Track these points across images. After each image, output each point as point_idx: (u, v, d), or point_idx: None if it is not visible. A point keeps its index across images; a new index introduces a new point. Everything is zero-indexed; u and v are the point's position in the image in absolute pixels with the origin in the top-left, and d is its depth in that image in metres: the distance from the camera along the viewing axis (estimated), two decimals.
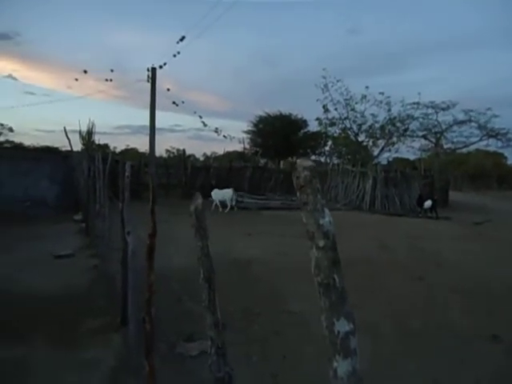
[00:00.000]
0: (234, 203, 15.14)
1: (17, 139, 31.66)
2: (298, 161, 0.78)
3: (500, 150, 26.22)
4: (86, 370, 3.60)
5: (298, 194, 0.79)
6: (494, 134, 23.70)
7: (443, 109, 23.38)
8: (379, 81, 51.57)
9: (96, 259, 7.09)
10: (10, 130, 32.75)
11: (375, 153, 24.54)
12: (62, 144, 19.46)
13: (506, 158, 38.98)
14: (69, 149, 14.45)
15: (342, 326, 0.73)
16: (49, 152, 17.08)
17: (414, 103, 23.13)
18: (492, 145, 24.64)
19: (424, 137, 24.74)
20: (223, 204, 15.15)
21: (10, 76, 48.68)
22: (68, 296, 5.35)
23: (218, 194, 15.11)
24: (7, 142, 31.01)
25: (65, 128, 13.76)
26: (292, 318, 4.92)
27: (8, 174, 13.94)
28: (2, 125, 32.34)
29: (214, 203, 15.06)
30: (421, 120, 23.71)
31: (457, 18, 52.56)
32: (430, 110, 23.55)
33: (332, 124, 24.53)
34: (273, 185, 20.96)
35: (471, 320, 5.05)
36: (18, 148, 24.36)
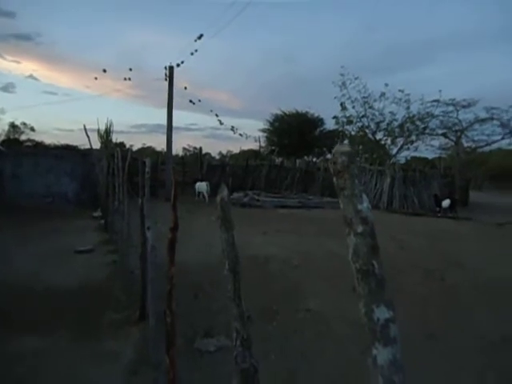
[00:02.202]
0: (206, 194, 17.18)
1: (38, 138, 32.35)
2: (336, 147, 0.77)
3: None
4: (106, 362, 3.66)
5: (334, 179, 0.78)
6: None
7: (464, 106, 22.80)
8: (398, 78, 50.68)
9: (115, 255, 7.19)
10: (32, 129, 33.53)
11: (393, 151, 24.16)
12: (80, 142, 19.86)
13: None
14: (88, 147, 14.72)
15: (382, 313, 0.71)
16: (69, 150, 17.44)
17: (434, 101, 22.61)
18: None
19: (444, 135, 24.18)
20: (200, 194, 17.67)
21: (31, 76, 49.90)
22: (88, 290, 5.45)
23: (198, 186, 17.85)
24: (29, 140, 31.79)
25: (84, 126, 14.02)
26: (310, 315, 4.90)
27: (30, 171, 14.29)
28: (24, 124, 33.15)
29: (197, 192, 17.72)
30: (441, 118, 23.18)
31: (478, 13, 51.31)
32: (450, 108, 22.99)
33: (349, 122, 24.24)
34: (289, 183, 20.87)
35: (496, 322, 4.93)
36: (40, 146, 24.96)
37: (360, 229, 0.73)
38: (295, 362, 3.81)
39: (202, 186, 17.47)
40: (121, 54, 49.06)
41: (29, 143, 29.96)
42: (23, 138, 32.65)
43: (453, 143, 24.84)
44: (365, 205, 0.74)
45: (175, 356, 2.67)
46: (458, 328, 4.72)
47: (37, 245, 7.92)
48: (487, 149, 26.01)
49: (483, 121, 23.09)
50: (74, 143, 20.29)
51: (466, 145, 24.84)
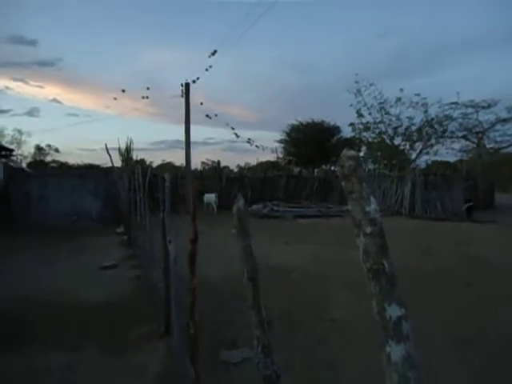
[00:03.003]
0: (215, 205, 17.81)
1: (62, 158, 33.57)
2: (343, 152, 0.80)
3: None
4: (133, 376, 3.71)
5: (343, 183, 0.80)
6: None
7: (484, 107, 22.33)
8: (414, 83, 50.15)
9: (139, 269, 7.32)
10: (56, 150, 34.76)
11: (413, 156, 23.79)
12: (102, 161, 20.40)
13: None
14: (109, 165, 15.13)
15: (394, 310, 0.73)
16: (91, 169, 17.95)
17: (452, 103, 22.27)
18: None
19: (464, 137, 23.68)
20: (210, 205, 18.13)
21: (54, 100, 51.93)
22: (114, 305, 5.56)
23: (206, 198, 18.24)
24: (54, 161, 32.94)
25: (106, 145, 14.46)
26: (334, 325, 4.84)
27: (56, 191, 14.77)
28: (49, 146, 34.37)
29: (205, 204, 18.15)
30: (460, 120, 22.77)
31: (494, 13, 50.44)
32: (469, 110, 22.57)
33: (366, 129, 24.09)
34: (308, 193, 20.80)
35: None
36: (64, 167, 25.76)
37: (369, 230, 0.75)
38: (321, 372, 3.77)
39: (210, 198, 18.04)
40: (138, 73, 50.51)
41: (54, 164, 31.04)
42: (48, 159, 33.89)
43: (474, 145, 24.29)
44: (372, 206, 0.76)
45: (200, 368, 2.69)
46: (484, 333, 4.57)
47: (63, 263, 8.14)
48: (511, 149, 25.27)
49: (505, 121, 22.54)
50: (97, 162, 20.90)
51: (488, 146, 24.25)
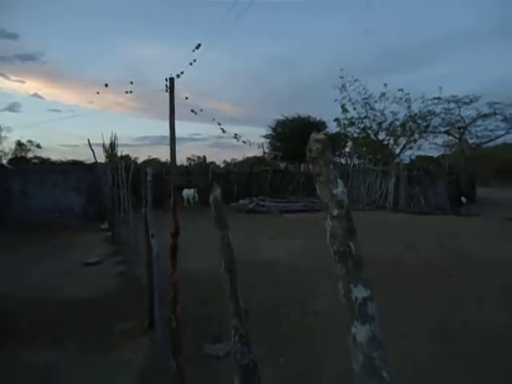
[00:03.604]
0: (192, 201, 18.24)
1: (44, 155, 32.83)
2: (311, 135, 0.79)
3: None
4: (117, 371, 3.69)
5: (310, 166, 0.80)
6: None
7: (466, 103, 22.71)
8: (398, 78, 50.65)
9: (123, 265, 7.25)
10: (38, 146, 33.98)
11: (397, 151, 24.09)
12: (86, 157, 20.05)
13: None
14: (93, 161, 14.89)
15: (360, 292, 0.73)
16: (74, 165, 17.63)
17: (434, 98, 22.58)
18: None
19: (447, 132, 24.09)
20: (188, 200, 18.44)
21: (35, 95, 50.59)
22: (98, 301, 5.49)
23: (185, 193, 18.57)
24: (36, 157, 32.24)
25: (89, 140, 14.19)
26: (318, 318, 4.88)
27: (37, 187, 14.47)
28: (30, 142, 33.60)
29: (185, 199, 18.42)
30: (443, 115, 23.12)
31: (476, 9, 51.27)
32: (452, 105, 22.93)
33: (351, 124, 24.27)
34: (294, 187, 20.88)
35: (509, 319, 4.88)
36: (46, 163, 25.26)
37: (336, 212, 0.75)
38: (305, 364, 3.80)
39: (189, 193, 18.53)
40: (122, 68, 49.70)
41: (36, 160, 30.39)
42: (30, 155, 33.15)
43: (457, 140, 24.72)
44: (340, 189, 0.76)
45: (183, 362, 2.68)
46: (467, 326, 4.67)
47: (46, 260, 8.00)
48: (492, 144, 25.84)
49: (486, 116, 23.00)
50: (80, 158, 20.52)
51: (470, 141, 24.71)
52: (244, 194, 19.30)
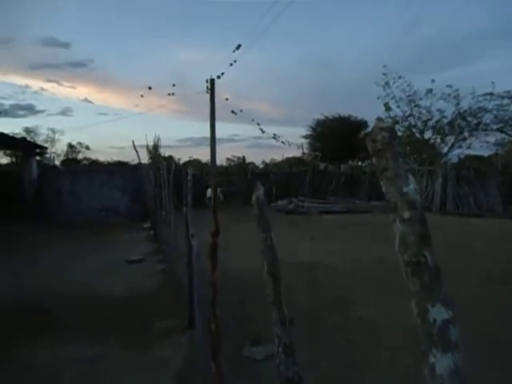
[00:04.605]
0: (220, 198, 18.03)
1: (93, 156, 34.44)
2: (375, 123, 0.67)
3: None
4: (155, 370, 3.70)
5: (374, 160, 0.68)
6: None
7: None
8: (446, 75, 48.23)
9: (164, 264, 7.37)
10: (87, 148, 35.68)
11: (444, 150, 22.89)
12: (132, 159, 20.76)
13: None
14: (137, 162, 15.36)
15: (439, 313, 0.60)
16: (120, 165, 18.29)
17: (486, 94, 21.18)
18: None
19: (500, 130, 22.52)
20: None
21: (85, 99, 53.43)
22: (139, 299, 5.60)
23: (209, 192, 18.38)
24: (85, 159, 33.90)
25: (133, 142, 14.65)
26: (361, 323, 4.67)
27: (85, 187, 15.17)
28: (80, 144, 35.37)
29: (207, 197, 18.24)
30: (495, 112, 21.65)
31: None
32: (505, 101, 21.41)
33: (395, 122, 23.35)
34: (334, 188, 20.43)
35: None
36: (94, 164, 26.46)
37: (407, 214, 0.63)
38: (346, 371, 3.63)
39: (209, 191, 18.70)
40: (165, 71, 51.16)
41: (85, 161, 31.96)
42: (80, 157, 34.92)
43: (511, 138, 23.10)
44: (411, 186, 0.64)
45: (222, 363, 2.63)
46: None
47: (91, 257, 8.32)
48: None
49: None
50: (126, 159, 21.29)
51: None
52: (283, 194, 19.15)
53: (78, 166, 23.20)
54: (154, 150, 18.90)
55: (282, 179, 20.65)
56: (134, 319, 4.86)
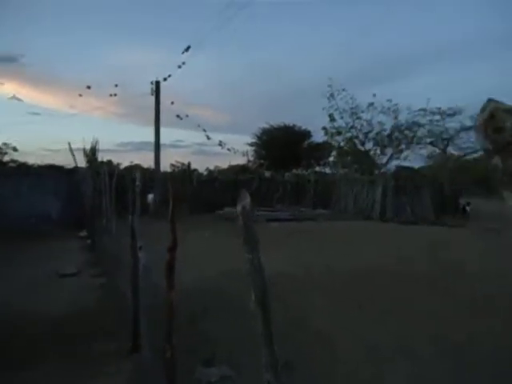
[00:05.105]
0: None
1: (22, 159, 31.42)
2: (492, 104, 0.45)
3: None
4: None
5: (495, 159, 0.46)
6: None
7: (450, 115, 23.02)
8: (385, 89, 51.28)
9: (103, 277, 6.74)
10: (14, 149, 32.58)
11: (384, 160, 24.16)
12: (66, 162, 19.25)
13: None
14: (73, 166, 14.22)
15: None
16: (53, 169, 16.85)
17: (420, 109, 22.79)
18: None
19: (432, 144, 24.32)
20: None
21: (14, 97, 48.85)
22: (74, 318, 4.99)
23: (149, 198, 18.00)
24: (12, 161, 30.93)
25: (69, 144, 13.52)
26: (317, 337, 4.52)
27: (12, 192, 13.74)
28: (5, 144, 32.27)
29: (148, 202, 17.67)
30: (428, 127, 23.36)
31: (461, 25, 52.65)
32: (436, 117, 23.19)
33: (338, 133, 24.25)
34: (280, 196, 20.59)
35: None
36: (23, 167, 24.22)
37: None
38: None
39: (149, 198, 18.13)
40: (106, 73, 48.71)
41: (12, 164, 29.13)
42: (6, 158, 31.80)
43: (440, 151, 25.00)
44: None
45: None
46: (474, 341, 4.41)
47: (19, 270, 7.40)
48: (474, 156, 26.23)
49: (469, 129, 23.30)
50: (61, 163, 19.68)
51: (454, 152, 25.05)
52: (229, 202, 18.91)
53: (2, 169, 21.02)
54: (91, 154, 17.73)
55: (228, 186, 20.39)
56: (70, 341, 4.29)
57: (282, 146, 28.71)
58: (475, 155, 26.15)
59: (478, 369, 3.77)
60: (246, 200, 1.02)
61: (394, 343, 4.35)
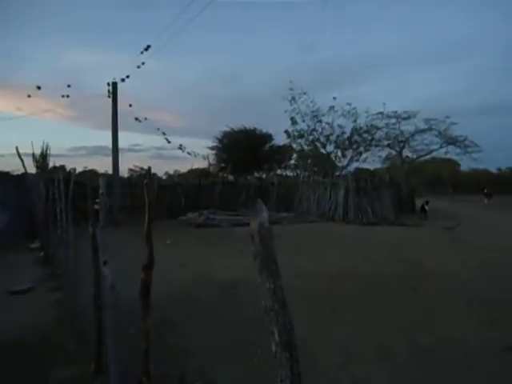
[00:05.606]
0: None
1: None
2: None
3: (457, 157, 27.02)
4: None
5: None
6: (452, 141, 24.58)
7: (405, 118, 24.01)
8: (344, 93, 52.91)
9: (59, 293, 6.20)
10: None
11: (345, 163, 24.72)
12: (13, 168, 17.92)
13: (459, 165, 40.85)
14: (22, 171, 13.20)
15: None
16: None
17: (378, 113, 23.60)
18: (451, 152, 25.48)
19: (389, 146, 25.23)
20: None
21: None
22: (28, 341, 4.50)
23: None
24: None
25: (17, 148, 12.52)
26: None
27: None
28: None
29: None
30: (385, 130, 24.22)
31: (412, 34, 55.43)
32: (393, 120, 24.10)
33: (300, 136, 24.52)
34: (244, 200, 20.40)
35: (478, 332, 4.75)
36: None
37: None
38: None
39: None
40: (57, 74, 46.34)
41: None
42: None
43: (397, 153, 25.97)
44: None
45: None
46: (443, 342, 4.45)
47: None
48: (428, 157, 27.51)
49: (423, 131, 24.42)
50: (6, 169, 18.27)
51: (409, 154, 26.11)
52: (192, 207, 18.47)
53: None
54: (41, 159, 16.65)
55: (190, 191, 19.92)
56: (23, 368, 3.83)
57: (243, 149, 28.61)
58: (427, 157, 27.51)
59: (447, 374, 3.79)
60: (263, 215, 0.81)
61: (363, 345, 4.32)
